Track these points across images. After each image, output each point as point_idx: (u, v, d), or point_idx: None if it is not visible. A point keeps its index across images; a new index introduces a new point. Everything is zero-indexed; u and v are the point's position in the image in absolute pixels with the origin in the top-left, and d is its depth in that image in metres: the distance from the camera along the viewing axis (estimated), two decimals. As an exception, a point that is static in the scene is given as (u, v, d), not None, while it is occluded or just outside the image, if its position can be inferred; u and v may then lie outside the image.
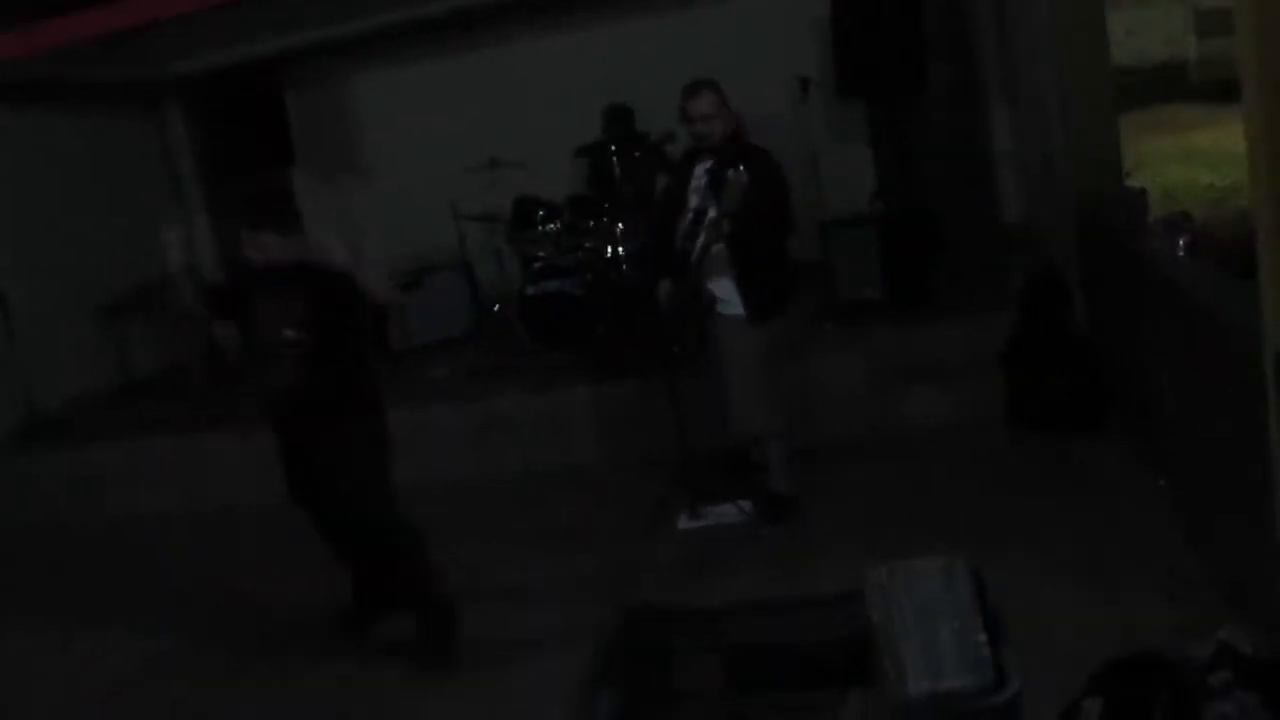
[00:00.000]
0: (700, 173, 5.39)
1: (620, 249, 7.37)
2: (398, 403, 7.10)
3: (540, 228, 7.51)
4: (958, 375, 6.31)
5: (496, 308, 7.90)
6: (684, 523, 5.58)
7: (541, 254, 7.51)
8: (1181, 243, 4.16)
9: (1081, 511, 4.88)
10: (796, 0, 8.17)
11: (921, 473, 5.77)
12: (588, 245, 7.41)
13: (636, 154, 7.78)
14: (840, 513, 5.39)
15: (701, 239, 5.21)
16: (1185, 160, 9.26)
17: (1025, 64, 7.49)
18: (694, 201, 5.37)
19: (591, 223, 7.43)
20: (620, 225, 7.40)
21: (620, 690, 2.25)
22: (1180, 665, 2.64)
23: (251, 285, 4.60)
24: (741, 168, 4.91)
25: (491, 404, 6.93)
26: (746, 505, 5.52)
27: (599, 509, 6.07)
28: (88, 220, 8.55)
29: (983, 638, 2.15)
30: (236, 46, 8.85)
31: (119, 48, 8.16)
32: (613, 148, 7.87)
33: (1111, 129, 5.88)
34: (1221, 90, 10.83)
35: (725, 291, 5.27)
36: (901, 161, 8.08)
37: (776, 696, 2.22)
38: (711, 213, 5.18)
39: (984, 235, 7.86)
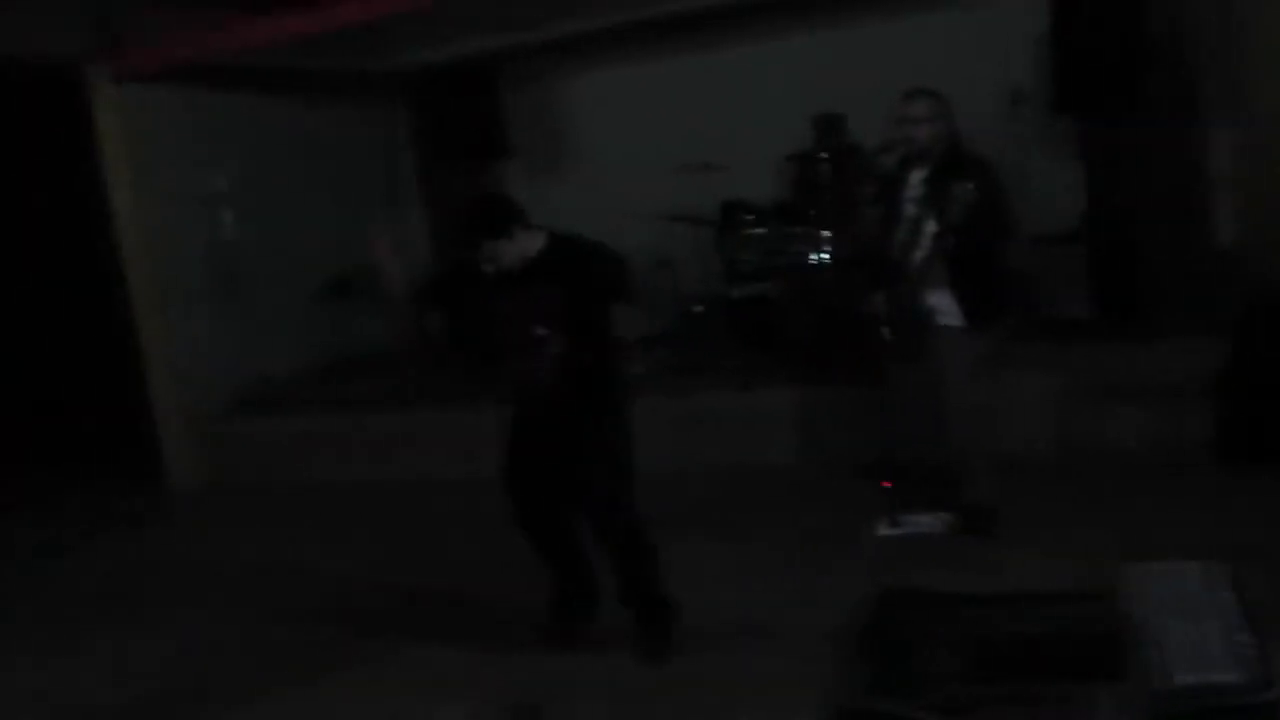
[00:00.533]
0: (916, 182, 5.46)
1: (825, 256, 7.47)
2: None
3: (747, 231, 7.65)
4: (1163, 400, 6.23)
5: (698, 308, 8.07)
6: (884, 529, 5.66)
7: (746, 257, 7.67)
8: None
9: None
10: (1013, 13, 8.14)
11: (1123, 494, 5.73)
12: (793, 250, 7.53)
13: (848, 163, 7.85)
14: (1036, 531, 5.39)
15: (921, 251, 5.31)
16: None
17: (1252, 83, 7.34)
18: (910, 211, 5.45)
19: (798, 229, 7.54)
20: (826, 232, 7.51)
21: (869, 667, 2.38)
22: None
23: (484, 286, 4.55)
24: (971, 185, 4.96)
25: (695, 400, 7.12)
26: (945, 516, 5.59)
27: (800, 509, 6.20)
28: (314, 204, 9.08)
29: (1248, 637, 2.21)
30: (459, 42, 9.26)
31: (350, 40, 8.65)
32: (824, 155, 7.96)
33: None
34: None
35: (943, 302, 5.34)
36: (1112, 179, 7.99)
37: (1019, 686, 2.31)
38: (930, 223, 5.27)
39: (1194, 258, 7.72)
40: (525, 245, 4.52)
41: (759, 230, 7.63)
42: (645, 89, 9.22)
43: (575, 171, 9.80)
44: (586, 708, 4.29)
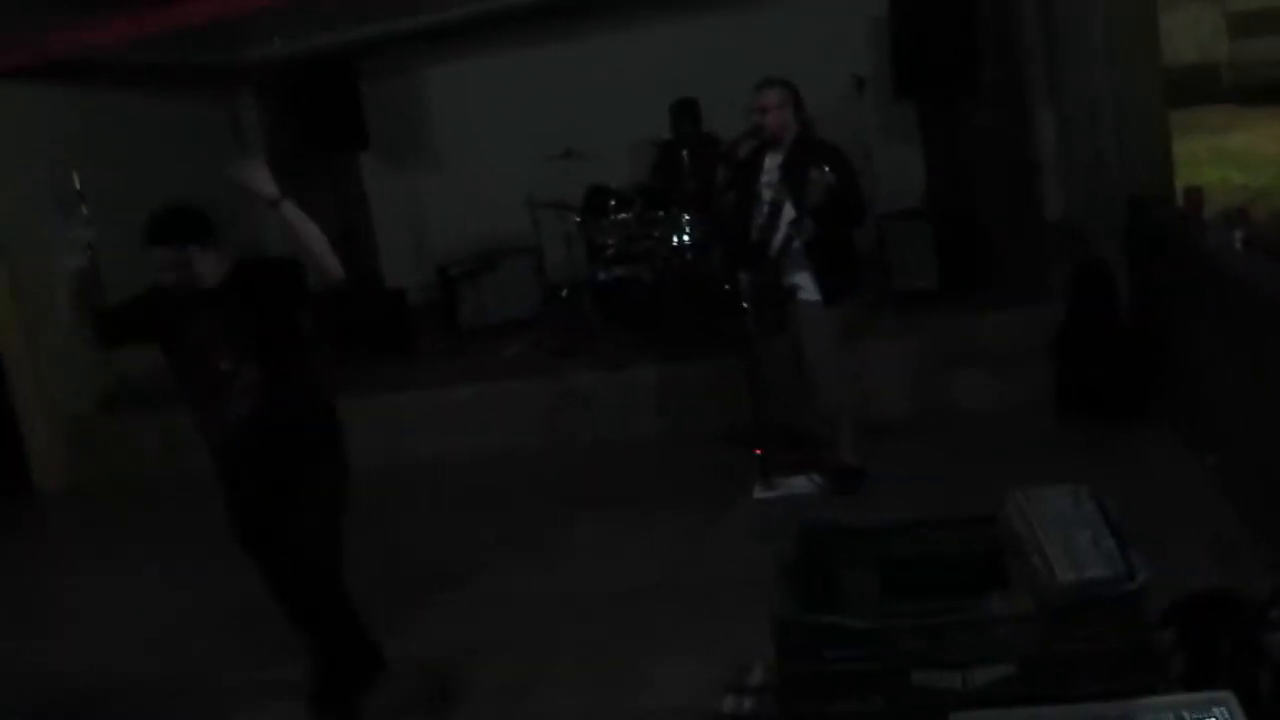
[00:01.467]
0: (771, 167, 5.79)
1: (686, 238, 7.78)
2: (475, 378, 7.72)
3: (612, 216, 7.91)
4: (1008, 363, 6.71)
5: (564, 292, 8.30)
6: (759, 492, 6.00)
7: (611, 241, 7.93)
8: (1238, 236, 4.56)
9: (1128, 484, 5.25)
10: (854, 1, 8.61)
11: (976, 449, 6.18)
12: (656, 234, 7.81)
13: (703, 148, 8.16)
14: (901, 485, 5.78)
15: (782, 232, 5.65)
16: (1217, 162, 9.59)
17: (1072, 68, 7.92)
18: (768, 195, 5.79)
19: (661, 213, 7.82)
20: (686, 216, 7.82)
21: (801, 591, 2.68)
22: (1242, 602, 3.07)
23: (171, 311, 4.01)
24: (827, 168, 5.31)
25: (566, 380, 7.37)
26: (816, 477, 5.96)
27: (678, 477, 6.51)
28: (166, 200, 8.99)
29: (1113, 541, 2.58)
30: (312, 35, 9.31)
31: (202, 34, 8.62)
32: (680, 142, 8.27)
33: (1163, 130, 6.30)
34: (1253, 93, 11.21)
35: (802, 279, 5.70)
36: (949, 160, 8.52)
37: (926, 603, 2.63)
38: (788, 206, 5.63)
39: (1026, 232, 8.29)
40: (214, 264, 4.00)
41: (623, 215, 7.88)
42: (505, 79, 9.46)
43: (435, 162, 9.93)
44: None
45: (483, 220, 9.26)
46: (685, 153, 8.04)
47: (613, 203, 7.95)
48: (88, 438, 8.17)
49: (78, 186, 7.96)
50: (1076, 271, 6.79)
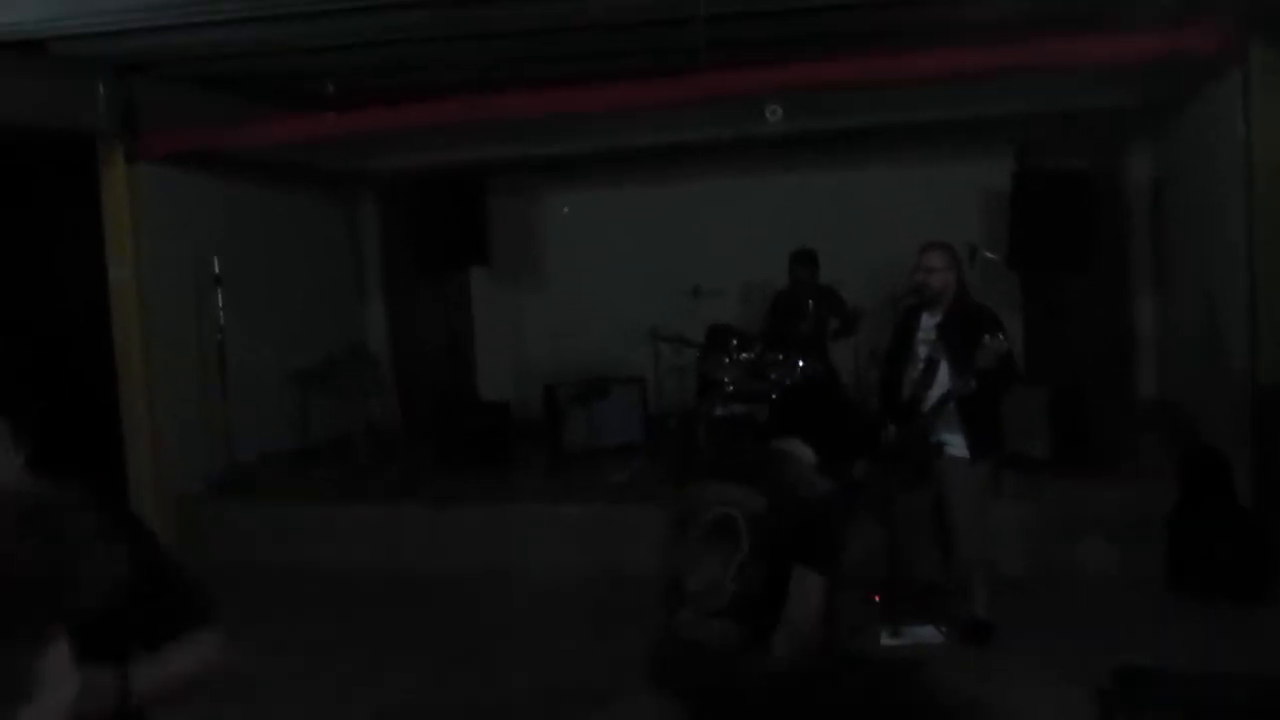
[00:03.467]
0: (928, 325, 6.06)
1: (800, 380, 8.03)
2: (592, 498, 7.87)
3: (734, 355, 8.16)
4: (1122, 534, 6.91)
5: (673, 422, 8.52)
6: (885, 639, 6.13)
7: (728, 378, 8.16)
8: None
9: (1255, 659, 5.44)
10: (976, 172, 9.01)
11: (1094, 614, 6.33)
12: (772, 376, 8.06)
13: (820, 298, 8.47)
14: (1024, 643, 5.92)
15: (937, 389, 5.89)
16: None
17: (1187, 256, 8.28)
18: (924, 352, 6.04)
19: (780, 356, 8.09)
20: (801, 362, 8.09)
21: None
22: None
23: None
24: (1002, 336, 5.58)
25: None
26: (943, 627, 6.10)
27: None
28: (291, 293, 9.30)
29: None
30: (437, 150, 9.69)
31: (345, 142, 9.02)
32: (797, 290, 8.59)
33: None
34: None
35: (952, 436, 5.91)
36: (1051, 332, 8.85)
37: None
38: (943, 365, 5.88)
39: (1122, 407, 8.56)
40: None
41: (745, 354, 8.14)
42: (624, 211, 9.82)
43: (546, 283, 10.24)
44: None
45: (586, 345, 9.53)
46: (810, 301, 8.32)
47: (735, 342, 8.21)
48: (196, 520, 8.28)
49: (217, 271, 8.28)
50: (1188, 454, 7.04)
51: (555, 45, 7.91)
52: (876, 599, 6.39)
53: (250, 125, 8.41)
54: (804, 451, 3.78)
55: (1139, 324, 9.21)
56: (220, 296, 8.33)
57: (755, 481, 3.59)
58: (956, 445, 5.92)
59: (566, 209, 10.27)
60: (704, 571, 3.54)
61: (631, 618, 6.63)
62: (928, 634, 6.11)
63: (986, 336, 5.58)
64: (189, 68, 8.06)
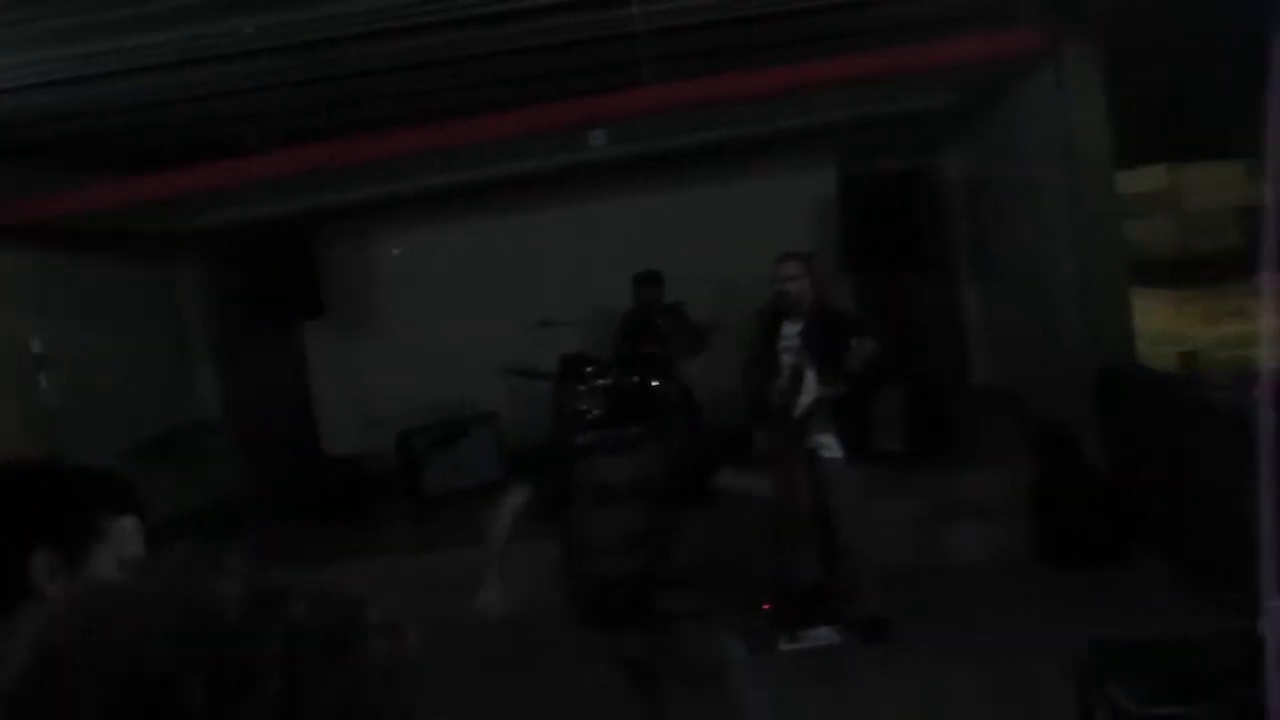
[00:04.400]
0: (790, 334, 6.19)
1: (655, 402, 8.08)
2: (461, 542, 7.70)
3: (590, 383, 8.15)
4: (986, 518, 7.18)
5: (534, 457, 8.42)
6: (785, 645, 6.20)
7: (586, 406, 8.14)
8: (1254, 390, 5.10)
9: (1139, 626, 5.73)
10: (802, 180, 9.26)
11: (976, 596, 6.55)
12: (631, 399, 8.06)
13: (667, 318, 8.54)
14: (921, 632, 6.10)
15: (808, 396, 6.00)
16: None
17: (1003, 248, 8.67)
18: (788, 360, 6.16)
19: (635, 379, 8.11)
20: (656, 382, 8.14)
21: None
22: None
23: None
24: (869, 338, 5.72)
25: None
26: (840, 628, 6.21)
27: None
28: (120, 364, 8.84)
29: None
30: (259, 202, 9.38)
31: (163, 202, 8.66)
32: (644, 311, 8.64)
33: (1126, 304, 6.96)
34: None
35: (827, 439, 6.04)
36: (889, 330, 9.12)
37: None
38: (809, 370, 6.01)
39: (960, 396, 8.91)
40: None
41: (602, 381, 8.13)
42: (465, 248, 9.69)
43: (384, 328, 10.02)
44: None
45: (437, 387, 9.37)
46: (659, 321, 8.39)
47: (589, 369, 8.20)
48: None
49: (38, 350, 7.83)
50: (1037, 434, 7.38)
51: (379, 87, 7.77)
52: (767, 607, 6.48)
53: (61, 194, 7.95)
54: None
55: (966, 316, 9.60)
56: (44, 378, 7.86)
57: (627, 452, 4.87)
58: (831, 447, 6.04)
59: (398, 250, 10.09)
60: (601, 526, 4.83)
61: (509, 665, 6.61)
62: (826, 636, 6.21)
63: (854, 340, 5.73)
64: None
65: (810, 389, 6.02)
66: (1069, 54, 6.75)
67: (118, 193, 8.19)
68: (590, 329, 9.45)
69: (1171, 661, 3.01)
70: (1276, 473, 4.15)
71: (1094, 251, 6.84)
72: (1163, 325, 11.05)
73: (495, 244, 9.71)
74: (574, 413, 8.21)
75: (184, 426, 9.08)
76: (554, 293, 9.06)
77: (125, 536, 1.85)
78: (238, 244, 9.26)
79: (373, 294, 10.19)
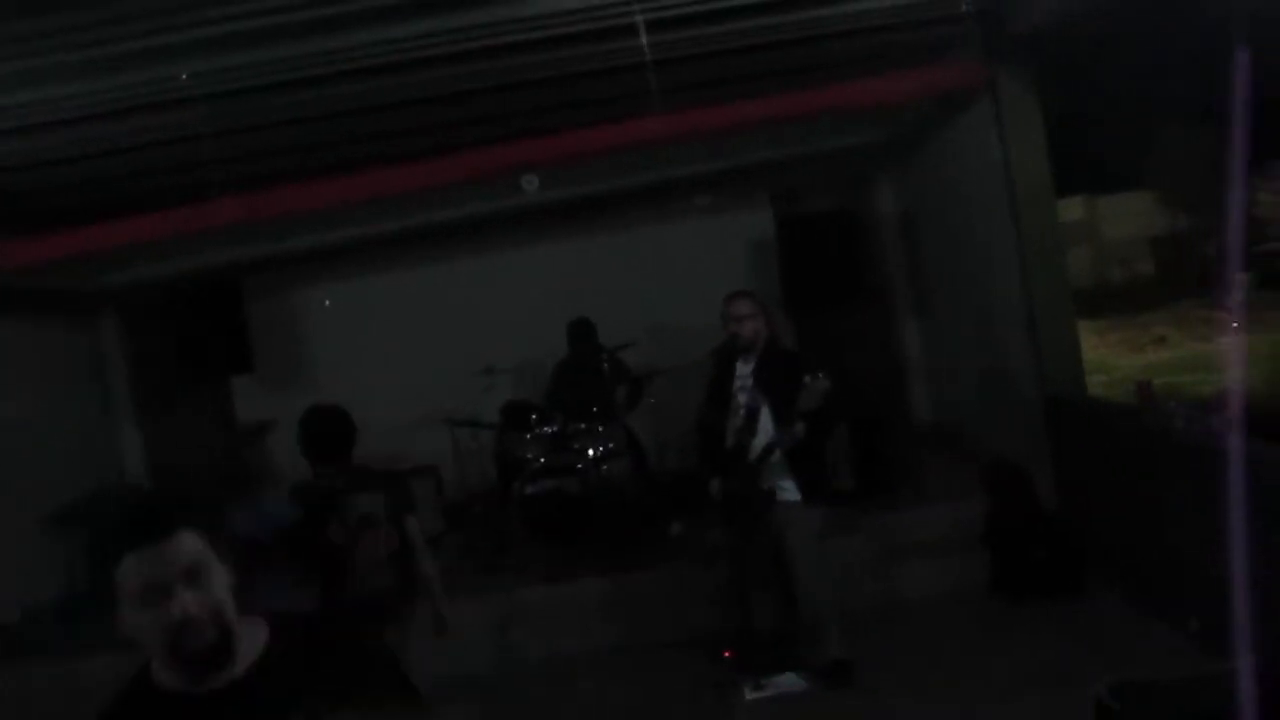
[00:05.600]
0: (744, 373, 6.09)
1: (602, 450, 7.97)
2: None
3: (535, 430, 8.00)
4: (939, 554, 7.14)
5: (478, 509, 8.26)
6: (750, 694, 6.05)
7: (530, 455, 7.98)
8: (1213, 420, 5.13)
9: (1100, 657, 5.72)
10: (738, 220, 9.23)
11: (937, 634, 6.49)
12: (576, 447, 7.95)
13: (600, 364, 8.43)
14: (883, 673, 6.00)
15: (764, 436, 5.89)
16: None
17: (941, 282, 8.70)
18: (743, 400, 6.06)
19: (582, 425, 8.00)
20: (601, 428, 8.04)
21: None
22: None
23: None
24: (822, 375, 5.64)
25: (512, 596, 7.26)
26: (804, 674, 6.09)
27: (652, 690, 6.45)
28: (34, 429, 8.49)
29: None
30: (182, 256, 9.13)
31: (76, 259, 8.36)
32: (577, 359, 8.54)
33: (1073, 335, 6.99)
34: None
35: (783, 481, 5.93)
36: (831, 369, 9.10)
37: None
38: (764, 411, 5.91)
39: (901, 433, 8.90)
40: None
41: (547, 429, 7.99)
42: (397, 297, 9.51)
43: (314, 382, 9.75)
44: None
45: (372, 440, 9.11)
46: (603, 367, 8.28)
47: (534, 417, 8.06)
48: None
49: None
50: (988, 469, 7.38)
51: (305, 136, 7.59)
52: (728, 654, 6.36)
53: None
54: None
55: (905, 352, 9.62)
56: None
57: None
58: (789, 490, 5.94)
59: (328, 301, 9.86)
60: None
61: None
62: (791, 682, 6.08)
63: (807, 377, 5.64)
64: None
65: (766, 429, 5.91)
66: (1006, 87, 6.80)
67: (36, 250, 7.88)
68: (523, 377, 9.30)
69: (1193, 700, 2.96)
70: (1242, 499, 4.15)
71: (1039, 283, 6.87)
72: (1088, 355, 11.18)
73: (427, 293, 9.55)
74: (518, 460, 8.07)
75: (108, 489, 8.75)
76: (488, 341, 8.89)
77: None
78: (162, 299, 8.97)
79: (302, 347, 9.93)
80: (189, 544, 2.06)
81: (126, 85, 5.98)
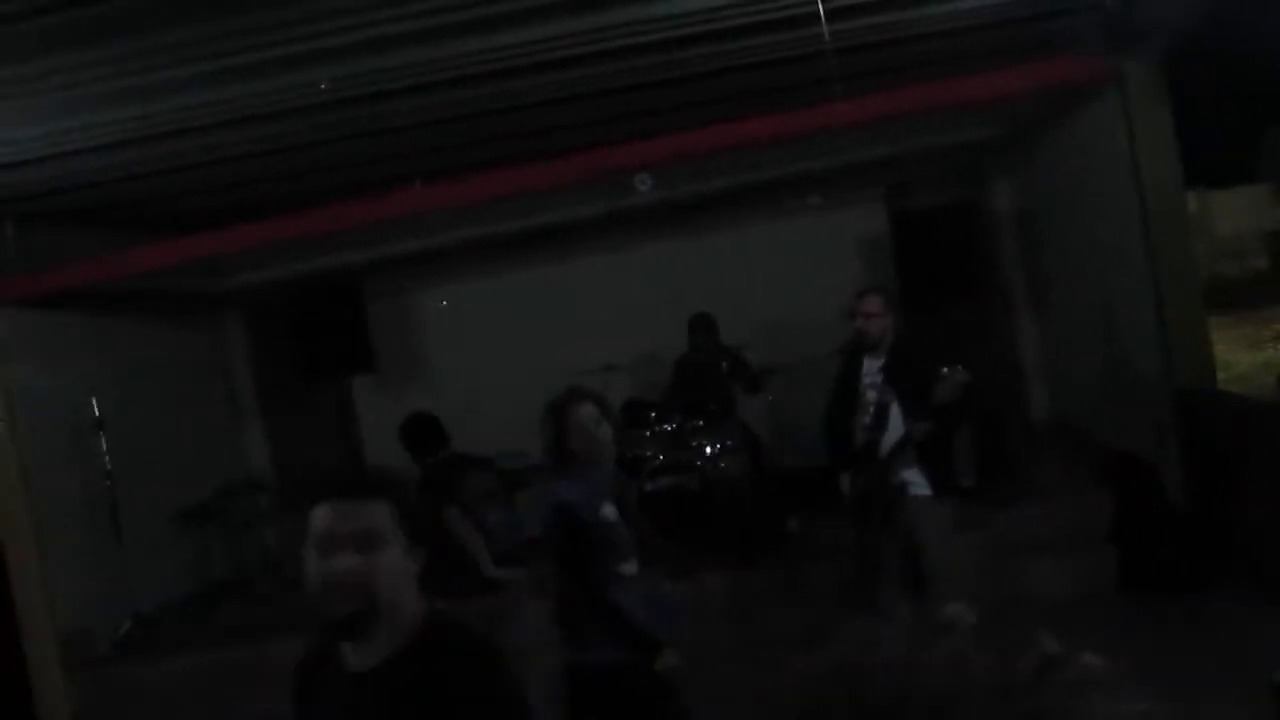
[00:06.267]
0: (872, 369, 6.07)
1: (720, 446, 8.01)
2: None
3: (654, 428, 8.06)
4: (1066, 550, 7.06)
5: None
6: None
7: (650, 453, 8.04)
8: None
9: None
10: (849, 217, 9.22)
11: (1068, 632, 6.39)
12: (694, 444, 8.00)
13: (723, 360, 8.45)
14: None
15: (894, 433, 5.88)
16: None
17: (1063, 278, 8.60)
18: (872, 396, 6.04)
19: (700, 423, 8.05)
20: (720, 425, 8.08)
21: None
22: None
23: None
24: (960, 366, 5.62)
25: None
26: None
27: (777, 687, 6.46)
28: (168, 428, 8.76)
29: None
30: (303, 258, 9.34)
31: (205, 261, 8.63)
32: (699, 355, 8.57)
33: (1204, 328, 6.88)
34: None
35: (913, 475, 5.92)
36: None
37: None
38: (894, 407, 5.89)
39: (1020, 430, 8.81)
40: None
41: (665, 426, 8.05)
42: (514, 298, 9.65)
43: (435, 383, 9.93)
44: None
45: (487, 438, 9.24)
46: (722, 363, 8.31)
47: (653, 415, 8.12)
48: (109, 686, 7.63)
49: (97, 413, 7.77)
50: (1112, 465, 7.28)
51: (421, 141, 7.73)
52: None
53: (111, 256, 7.92)
54: None
55: (1023, 349, 9.52)
56: (103, 440, 7.79)
57: None
58: (919, 484, 5.91)
59: (445, 302, 10.03)
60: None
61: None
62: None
63: (944, 369, 5.62)
64: (41, 203, 7.56)
65: (895, 426, 5.90)
66: (1133, 77, 6.70)
67: (162, 254, 8.15)
68: (640, 375, 9.36)
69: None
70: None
71: (1169, 277, 6.76)
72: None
73: (546, 292, 9.66)
74: (638, 458, 8.13)
75: (235, 486, 9.00)
76: (605, 339, 8.96)
77: None
78: (284, 301, 9.19)
79: (421, 347, 10.12)
80: (376, 512, 2.15)
81: (258, 93, 6.13)
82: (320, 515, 2.15)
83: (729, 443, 8.07)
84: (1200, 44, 6.92)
